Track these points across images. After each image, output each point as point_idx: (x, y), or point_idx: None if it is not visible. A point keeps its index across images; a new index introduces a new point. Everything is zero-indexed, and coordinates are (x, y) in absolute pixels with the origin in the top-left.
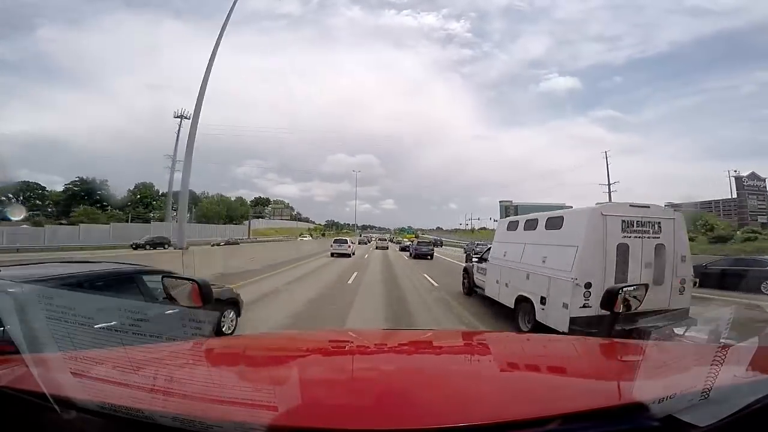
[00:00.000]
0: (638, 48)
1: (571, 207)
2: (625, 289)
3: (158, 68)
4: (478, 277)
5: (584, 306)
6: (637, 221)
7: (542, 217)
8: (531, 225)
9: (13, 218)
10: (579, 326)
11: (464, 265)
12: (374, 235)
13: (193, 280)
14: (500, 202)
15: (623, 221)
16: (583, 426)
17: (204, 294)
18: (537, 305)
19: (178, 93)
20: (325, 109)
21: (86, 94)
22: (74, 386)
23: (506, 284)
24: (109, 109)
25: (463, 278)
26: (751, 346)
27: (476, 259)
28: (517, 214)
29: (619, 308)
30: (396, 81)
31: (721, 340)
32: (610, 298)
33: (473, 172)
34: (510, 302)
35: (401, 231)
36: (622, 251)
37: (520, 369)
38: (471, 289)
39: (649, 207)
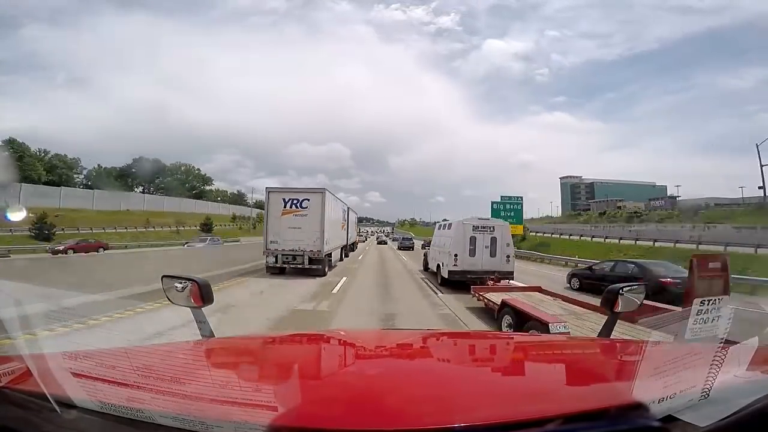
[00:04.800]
0: (626, 46)
1: (664, 186)
2: (624, 288)
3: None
4: (428, 258)
5: (454, 266)
6: (482, 226)
7: (449, 222)
8: (445, 226)
9: (13, 219)
10: (452, 275)
11: (424, 251)
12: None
13: (192, 279)
14: (561, 179)
15: (473, 226)
16: (583, 426)
17: (204, 294)
18: (442, 267)
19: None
20: (308, 104)
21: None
22: (74, 386)
23: (434, 259)
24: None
25: (423, 259)
26: (751, 346)
27: (428, 248)
28: (593, 193)
29: (619, 308)
30: (386, 75)
31: (721, 340)
32: (610, 297)
33: (474, 164)
34: (434, 268)
35: (403, 225)
36: (472, 240)
37: (520, 369)
38: (426, 266)
39: (489, 219)
